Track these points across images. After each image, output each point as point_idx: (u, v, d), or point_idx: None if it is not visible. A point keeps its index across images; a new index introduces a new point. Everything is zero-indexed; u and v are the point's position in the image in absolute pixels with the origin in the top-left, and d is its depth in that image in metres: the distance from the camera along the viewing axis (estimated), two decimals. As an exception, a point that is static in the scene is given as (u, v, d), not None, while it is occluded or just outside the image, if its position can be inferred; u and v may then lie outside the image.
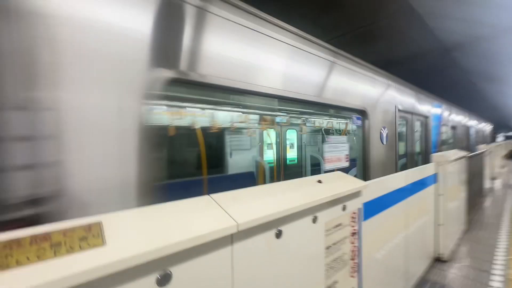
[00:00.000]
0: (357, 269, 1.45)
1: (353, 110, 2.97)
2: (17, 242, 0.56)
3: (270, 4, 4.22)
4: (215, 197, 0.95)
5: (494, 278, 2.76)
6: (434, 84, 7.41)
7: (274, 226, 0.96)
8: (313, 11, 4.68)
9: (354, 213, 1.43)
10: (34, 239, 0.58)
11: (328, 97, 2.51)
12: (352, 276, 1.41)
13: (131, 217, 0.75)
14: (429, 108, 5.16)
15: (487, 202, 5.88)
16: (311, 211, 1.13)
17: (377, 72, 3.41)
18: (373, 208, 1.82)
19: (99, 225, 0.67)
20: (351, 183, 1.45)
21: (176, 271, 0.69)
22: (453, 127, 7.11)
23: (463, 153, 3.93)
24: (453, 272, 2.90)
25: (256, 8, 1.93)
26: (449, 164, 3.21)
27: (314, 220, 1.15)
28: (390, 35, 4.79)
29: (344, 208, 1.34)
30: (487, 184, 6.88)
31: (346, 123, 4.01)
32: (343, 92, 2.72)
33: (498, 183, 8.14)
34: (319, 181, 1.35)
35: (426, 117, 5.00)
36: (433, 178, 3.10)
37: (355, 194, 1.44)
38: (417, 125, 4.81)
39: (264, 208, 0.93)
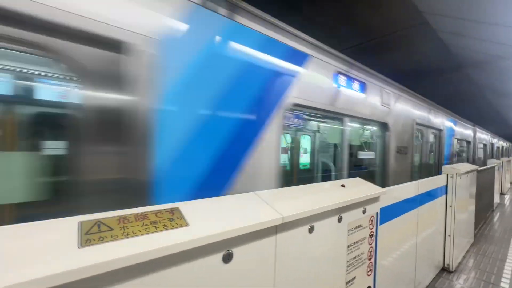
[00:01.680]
0: (373, 269, 1.57)
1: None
2: (126, 218, 0.73)
3: (291, 13, 4.40)
4: (259, 193, 1.10)
5: (501, 290, 2.82)
6: (447, 98, 7.45)
7: (308, 222, 1.11)
8: (331, 22, 4.84)
9: (372, 216, 1.56)
10: (136, 216, 0.74)
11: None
12: (368, 275, 1.53)
13: (199, 205, 0.91)
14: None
15: (496, 217, 5.87)
16: (337, 212, 1.27)
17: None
18: (387, 214, 1.94)
19: (178, 210, 0.83)
20: (370, 188, 1.58)
21: (236, 251, 0.84)
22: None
23: (473, 167, 4.00)
24: (460, 283, 2.97)
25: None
26: (459, 176, 3.29)
27: (340, 220, 1.29)
28: (404, 47, 4.90)
29: (364, 211, 1.47)
30: (496, 199, 6.84)
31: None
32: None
33: (507, 199, 8.06)
34: (343, 186, 1.49)
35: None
36: (443, 190, 3.19)
37: (374, 199, 1.57)
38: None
39: (301, 205, 1.08)
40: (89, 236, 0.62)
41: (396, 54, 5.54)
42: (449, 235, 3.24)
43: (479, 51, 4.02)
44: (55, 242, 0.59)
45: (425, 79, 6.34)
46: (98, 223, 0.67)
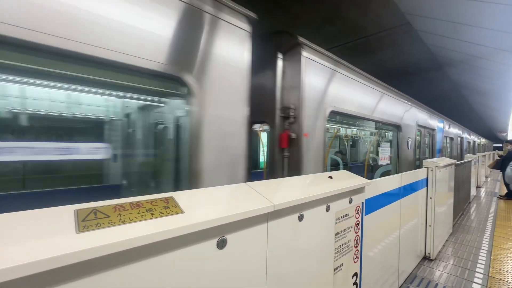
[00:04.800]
0: (359, 256, 1.65)
1: None
2: (122, 206, 0.74)
3: (278, 11, 4.45)
4: (250, 184, 1.14)
5: (477, 275, 3.02)
6: (427, 96, 7.81)
7: (298, 210, 1.16)
8: (317, 21, 4.94)
9: (358, 206, 1.64)
10: (132, 205, 0.76)
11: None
12: (355, 262, 1.61)
13: (193, 195, 0.93)
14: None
15: (473, 209, 6.23)
16: (325, 201, 1.33)
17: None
18: (371, 205, 2.04)
19: (172, 199, 0.85)
20: (356, 180, 1.66)
21: (230, 238, 0.87)
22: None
23: (451, 161, 4.23)
24: (440, 270, 3.15)
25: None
26: (438, 170, 3.47)
27: (327, 209, 1.35)
28: (388, 47, 5.10)
29: (350, 201, 1.55)
30: (473, 191, 7.25)
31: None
32: None
33: (483, 191, 8.56)
34: (330, 177, 1.56)
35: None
36: (424, 182, 3.36)
37: (360, 190, 1.65)
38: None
39: (291, 195, 1.13)
40: (86, 222, 0.63)
41: (380, 54, 5.75)
42: (430, 226, 3.42)
43: (457, 51, 4.27)
44: (53, 228, 0.60)
45: (408, 78, 6.62)
46: (94, 210, 0.69)
